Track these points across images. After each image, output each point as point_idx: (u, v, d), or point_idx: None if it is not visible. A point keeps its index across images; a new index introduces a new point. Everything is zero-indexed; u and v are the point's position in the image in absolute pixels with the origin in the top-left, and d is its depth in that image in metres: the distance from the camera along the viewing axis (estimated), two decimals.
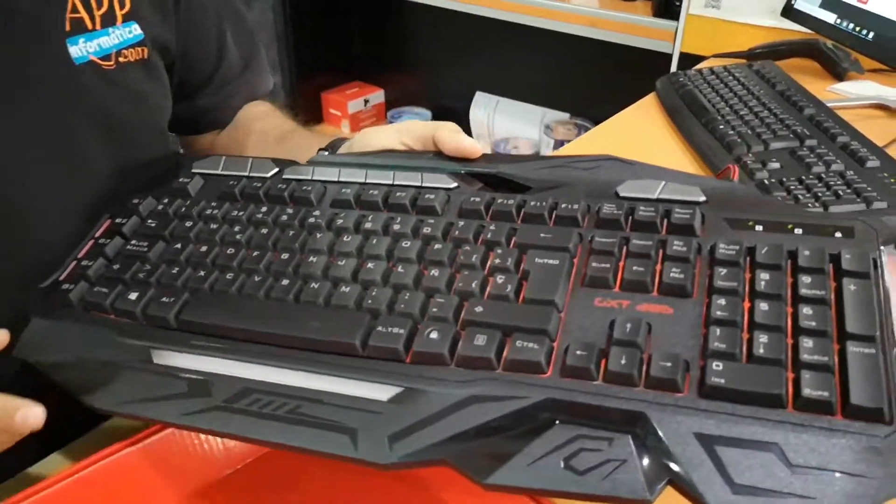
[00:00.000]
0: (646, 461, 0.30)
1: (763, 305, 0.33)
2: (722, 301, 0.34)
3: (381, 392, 0.34)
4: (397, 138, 0.49)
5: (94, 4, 0.49)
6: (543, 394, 0.32)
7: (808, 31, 0.97)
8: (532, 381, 0.33)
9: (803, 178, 0.61)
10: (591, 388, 0.32)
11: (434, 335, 0.35)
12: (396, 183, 0.44)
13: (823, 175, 0.61)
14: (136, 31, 0.52)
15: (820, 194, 0.58)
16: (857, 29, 0.91)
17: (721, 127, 0.71)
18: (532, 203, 0.41)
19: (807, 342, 0.31)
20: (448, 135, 0.46)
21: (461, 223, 0.41)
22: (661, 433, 0.30)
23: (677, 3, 1.19)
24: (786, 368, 0.31)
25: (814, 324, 0.32)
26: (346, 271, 0.39)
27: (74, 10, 0.48)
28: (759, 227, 0.37)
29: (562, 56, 1.53)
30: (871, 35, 0.89)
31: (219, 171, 0.49)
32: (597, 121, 0.83)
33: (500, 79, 1.73)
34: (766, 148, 0.68)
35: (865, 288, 0.33)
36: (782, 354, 0.31)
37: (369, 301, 0.37)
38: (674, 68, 1.21)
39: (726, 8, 1.13)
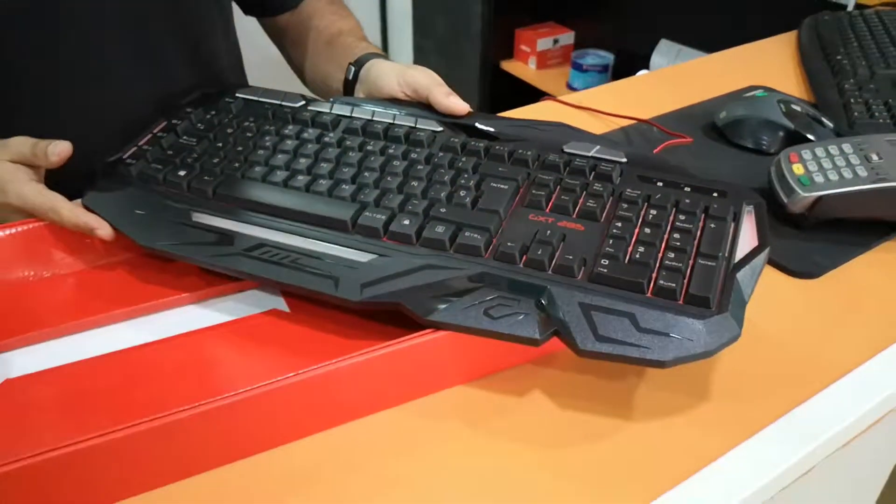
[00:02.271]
0: (541, 317, 0.42)
1: (647, 230, 0.45)
2: (619, 224, 0.46)
3: (361, 256, 0.46)
4: (399, 84, 0.60)
5: None
6: (479, 268, 0.44)
7: None
8: (472, 260, 0.45)
9: (890, 100, 0.66)
10: (513, 270, 0.44)
11: (406, 221, 0.47)
12: (396, 122, 0.57)
13: None
14: None
15: None
16: None
17: (838, 57, 0.76)
18: (496, 147, 0.53)
19: (670, 254, 0.43)
20: (441, 97, 0.58)
21: (440, 154, 0.53)
22: (556, 300, 0.42)
23: None
24: (653, 270, 0.43)
25: (678, 244, 0.44)
26: (347, 176, 0.51)
27: None
28: (660, 184, 0.49)
29: (746, 9, 1.58)
30: None
31: (258, 98, 0.61)
32: None
33: (685, 27, 1.79)
34: (871, 75, 0.72)
35: (721, 226, 0.45)
36: (651, 259, 0.43)
37: (361, 196, 0.49)
38: None
39: None
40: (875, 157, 0.55)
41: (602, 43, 2.00)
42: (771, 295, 0.50)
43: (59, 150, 0.51)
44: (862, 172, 0.54)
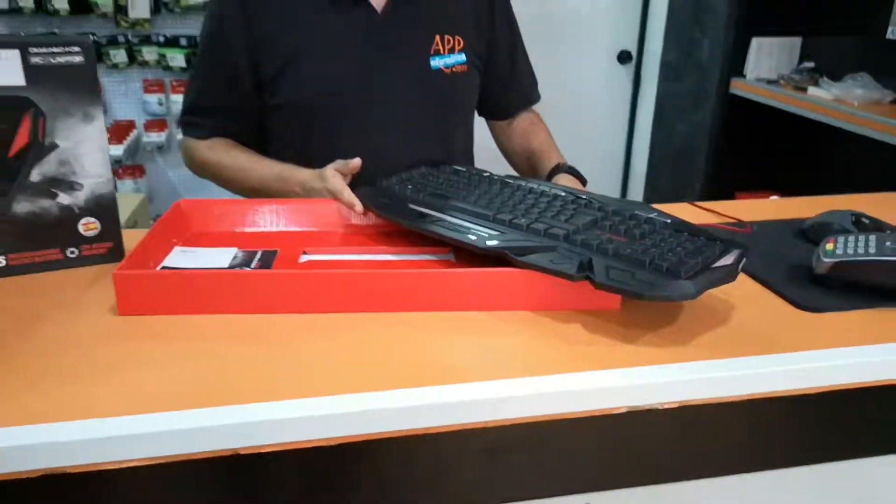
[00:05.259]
0: (581, 271, 0.71)
1: (662, 244, 0.74)
2: (646, 240, 0.75)
3: (491, 232, 0.80)
4: None
5: (446, 42, 1.10)
6: (555, 243, 0.76)
7: None
8: (552, 242, 0.76)
9: None
10: (574, 248, 0.75)
11: (522, 220, 0.80)
12: (541, 188, 0.92)
13: None
14: (463, 57, 1.12)
15: None
16: None
17: None
18: (582, 198, 0.86)
19: (668, 254, 0.72)
20: None
21: (560, 200, 0.87)
22: (594, 263, 0.72)
23: None
24: (652, 258, 0.71)
25: (672, 250, 0.72)
26: (498, 201, 0.87)
27: (436, 45, 1.09)
28: (686, 233, 0.78)
29: None
30: None
31: (464, 169, 1.00)
32: None
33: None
34: None
35: (710, 249, 0.73)
36: (652, 250, 0.72)
37: (498, 205, 0.84)
38: None
39: None
40: (889, 243, 0.73)
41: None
42: (772, 314, 0.73)
43: (355, 163, 0.95)
44: (872, 249, 0.74)
